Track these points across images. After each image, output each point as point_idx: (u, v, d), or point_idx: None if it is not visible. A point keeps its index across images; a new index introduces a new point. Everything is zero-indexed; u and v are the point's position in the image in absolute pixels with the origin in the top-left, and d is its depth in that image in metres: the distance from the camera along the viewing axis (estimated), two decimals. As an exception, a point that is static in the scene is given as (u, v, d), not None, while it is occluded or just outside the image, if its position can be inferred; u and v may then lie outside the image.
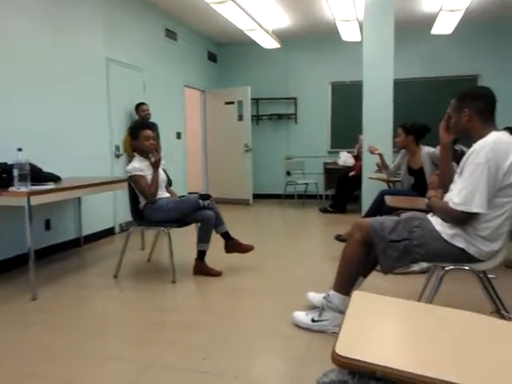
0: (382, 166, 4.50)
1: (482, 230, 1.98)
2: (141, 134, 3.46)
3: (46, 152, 4.10)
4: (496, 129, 2.03)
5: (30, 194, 2.93)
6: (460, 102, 2.08)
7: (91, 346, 2.28)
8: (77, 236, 4.63)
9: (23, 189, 2.95)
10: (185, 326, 2.52)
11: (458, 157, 2.37)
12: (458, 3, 5.33)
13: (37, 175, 3.34)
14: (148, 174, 3.44)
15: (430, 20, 6.38)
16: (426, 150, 3.97)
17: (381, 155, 4.45)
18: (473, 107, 2.03)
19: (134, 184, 3.44)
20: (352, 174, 6.59)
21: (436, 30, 6.50)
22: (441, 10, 5.59)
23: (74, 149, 4.53)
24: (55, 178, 3.58)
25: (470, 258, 2.03)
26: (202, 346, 2.27)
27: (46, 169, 3.59)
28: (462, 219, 1.97)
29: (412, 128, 4.01)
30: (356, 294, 1.30)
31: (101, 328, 2.52)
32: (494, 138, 1.95)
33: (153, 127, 3.47)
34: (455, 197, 1.97)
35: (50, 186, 3.27)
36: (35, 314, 2.77)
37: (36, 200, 2.99)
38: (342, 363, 0.92)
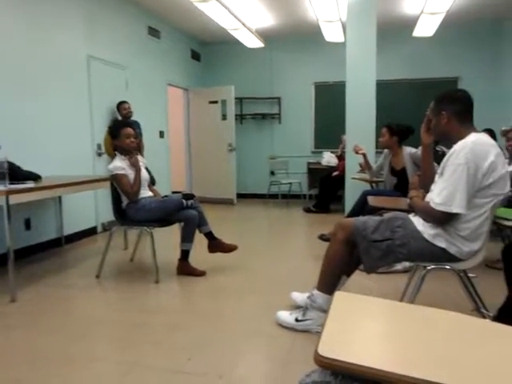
0: (366, 167, 4.54)
1: (462, 230, 2.01)
2: (121, 132, 3.42)
3: (26, 150, 4.02)
4: (475, 130, 2.07)
5: (9, 192, 2.87)
6: (438, 105, 2.13)
7: (74, 348, 2.25)
8: (58, 236, 4.56)
9: (1, 187, 2.89)
10: (169, 327, 2.51)
11: (439, 158, 2.41)
12: (439, 6, 5.42)
13: (16, 174, 3.25)
14: (130, 172, 3.40)
15: (411, 22, 6.47)
16: (408, 150, 4.02)
17: (364, 155, 4.48)
18: (450, 110, 2.08)
19: (116, 183, 3.40)
20: (335, 173, 6.64)
21: (417, 32, 6.60)
22: (422, 12, 5.68)
23: (54, 147, 4.45)
24: (35, 177, 3.51)
25: (451, 258, 2.06)
26: (187, 346, 2.26)
27: (25, 167, 3.51)
28: (443, 219, 2.01)
29: (397, 129, 4.05)
30: (338, 295, 1.30)
31: (84, 329, 2.49)
32: (474, 139, 1.99)
33: (134, 125, 3.44)
34: (436, 197, 2.01)
35: (30, 184, 3.20)
36: (15, 316, 2.71)
37: (15, 199, 2.93)
38: (325, 364, 0.92)
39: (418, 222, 2.15)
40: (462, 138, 2.02)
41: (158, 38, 6.69)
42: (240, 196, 8.01)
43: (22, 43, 4.06)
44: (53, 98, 4.45)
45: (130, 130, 3.45)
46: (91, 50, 5.03)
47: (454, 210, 1.94)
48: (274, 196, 7.75)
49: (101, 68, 5.21)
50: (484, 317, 2.21)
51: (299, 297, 2.69)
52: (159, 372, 2.01)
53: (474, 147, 1.94)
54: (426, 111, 2.27)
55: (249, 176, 8.32)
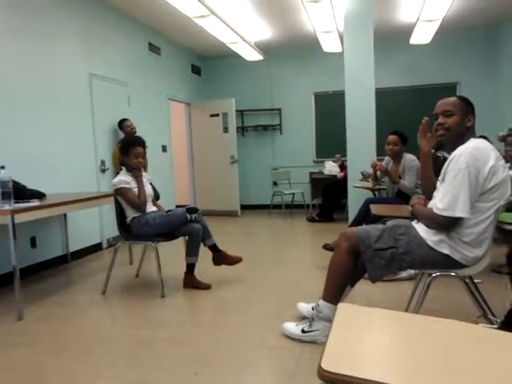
0: (374, 179, 4.44)
1: (465, 236, 2.01)
2: (131, 150, 3.43)
3: (31, 169, 4.06)
4: (475, 136, 2.09)
5: (14, 211, 2.89)
6: (468, 108, 2.12)
7: (79, 366, 2.24)
8: (64, 252, 4.57)
9: (6, 207, 2.91)
10: (175, 341, 2.50)
11: (440, 163, 2.42)
12: (435, 13, 5.47)
13: (21, 192, 3.29)
14: (134, 187, 3.43)
15: (408, 30, 6.53)
16: (407, 157, 4.03)
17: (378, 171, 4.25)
18: (474, 117, 2.12)
19: (121, 197, 3.42)
20: (341, 174, 6.65)
21: (414, 39, 6.65)
22: (418, 20, 5.73)
23: (58, 165, 4.50)
24: (40, 195, 3.54)
25: (456, 264, 2.06)
26: (193, 360, 2.25)
27: (30, 186, 3.54)
28: (447, 224, 2.01)
29: (405, 137, 4.06)
30: (341, 307, 1.29)
31: (89, 347, 2.49)
32: (474, 144, 2.00)
33: (143, 144, 3.47)
34: (439, 202, 2.01)
35: (35, 203, 3.23)
36: (21, 334, 2.71)
37: (20, 218, 2.95)
38: (329, 378, 0.91)
39: (421, 228, 2.15)
40: (464, 143, 2.04)
41: (159, 54, 6.77)
42: (244, 207, 8.02)
43: (24, 62, 4.12)
44: (56, 116, 4.50)
45: (140, 150, 3.46)
46: (93, 68, 5.10)
47: (458, 215, 1.94)
48: (277, 206, 7.76)
49: (103, 85, 5.28)
50: (491, 323, 2.19)
51: (305, 307, 2.68)
52: (167, 387, 2.00)
53: (473, 152, 1.95)
54: (423, 118, 2.28)
55: (252, 187, 8.35)
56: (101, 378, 2.11)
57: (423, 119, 2.29)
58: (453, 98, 2.14)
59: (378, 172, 4.22)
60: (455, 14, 6.27)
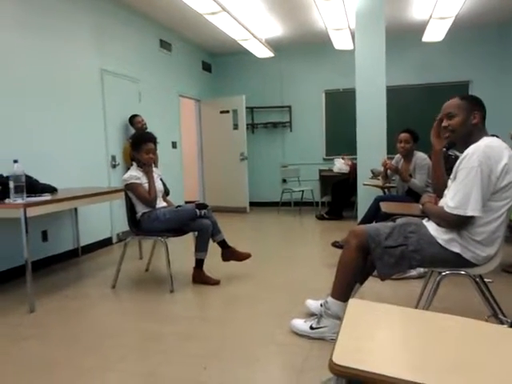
0: (384, 176, 4.42)
1: (477, 235, 2.00)
2: (143, 146, 3.45)
3: (43, 163, 4.11)
4: (487, 135, 2.08)
5: (26, 205, 2.93)
6: (471, 105, 2.11)
7: (89, 359, 2.27)
8: (74, 247, 4.63)
9: (19, 201, 2.95)
10: (184, 336, 2.52)
11: (451, 162, 2.41)
12: (448, 11, 5.42)
13: (33, 187, 3.34)
14: (145, 182, 3.46)
15: (420, 27, 6.47)
16: (419, 155, 4.01)
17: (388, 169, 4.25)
18: (480, 112, 2.10)
19: (132, 192, 3.44)
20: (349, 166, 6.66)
21: (427, 37, 6.59)
22: (431, 17, 5.67)
23: (70, 160, 4.54)
24: (52, 190, 3.58)
25: (466, 263, 2.05)
26: (202, 355, 2.27)
27: (42, 180, 3.59)
28: (458, 223, 2.00)
29: (417, 135, 4.04)
30: (352, 302, 1.30)
31: (99, 340, 2.52)
32: (486, 142, 1.99)
33: (155, 140, 3.49)
34: (450, 201, 2.00)
35: (47, 197, 3.27)
36: (33, 326, 2.75)
37: (32, 211, 2.98)
38: (340, 372, 0.93)
39: (431, 227, 2.14)
40: (476, 141, 2.02)
41: (170, 51, 6.79)
42: (253, 204, 8.03)
43: (37, 57, 4.16)
44: (68, 112, 4.54)
45: (151, 146, 3.49)
46: (104, 64, 5.13)
47: (469, 213, 1.93)
48: (286, 204, 7.75)
49: (114, 81, 5.31)
50: (502, 323, 2.18)
51: (313, 304, 2.69)
52: (174, 382, 2.01)
53: (486, 150, 1.93)
54: (436, 117, 2.27)
55: (261, 184, 8.35)
56: (110, 371, 2.14)
57: (437, 118, 2.28)
58: (454, 100, 2.15)
59: (389, 170, 4.20)
60: (468, 12, 6.20)
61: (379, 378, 0.88)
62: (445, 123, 2.16)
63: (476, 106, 2.11)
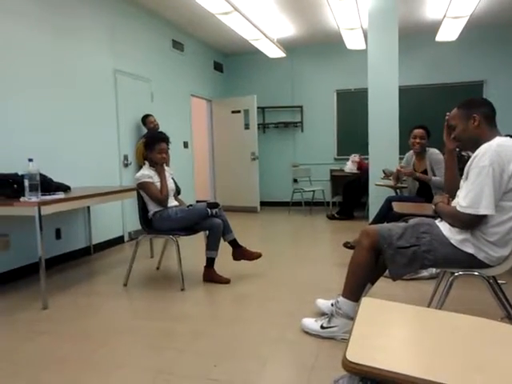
0: (396, 177, 4.38)
1: (490, 235, 1.98)
2: (156, 146, 3.49)
3: (57, 162, 4.17)
4: (500, 134, 2.05)
5: (41, 203, 2.97)
6: (467, 110, 2.10)
7: (101, 355, 2.30)
8: (87, 245, 4.68)
9: (34, 199, 3.00)
10: (194, 334, 2.54)
11: (464, 162, 2.38)
12: (462, 10, 5.36)
13: (47, 185, 3.38)
14: (157, 181, 3.49)
15: (434, 27, 6.41)
16: (431, 151, 3.97)
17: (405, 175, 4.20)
18: (481, 112, 2.07)
19: (144, 191, 3.47)
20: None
21: (440, 36, 6.53)
22: (445, 17, 5.62)
23: (83, 159, 4.60)
24: (65, 188, 3.63)
25: (480, 264, 2.03)
26: (212, 353, 2.28)
27: (56, 179, 3.64)
28: (471, 222, 1.98)
29: (429, 131, 4.01)
30: (365, 300, 1.30)
31: (110, 336, 2.54)
32: (498, 141, 1.97)
33: (167, 140, 3.52)
34: (462, 200, 1.98)
35: (60, 195, 3.31)
36: (46, 322, 2.79)
37: (46, 210, 3.03)
38: (353, 369, 0.93)
39: (444, 227, 2.13)
40: (488, 141, 2.00)
41: (182, 51, 6.83)
42: (263, 204, 8.04)
43: (51, 57, 4.22)
44: (82, 112, 4.60)
45: (164, 146, 3.53)
46: (118, 64, 5.18)
47: (482, 212, 1.91)
48: (297, 203, 7.74)
49: (127, 81, 5.36)
50: (515, 324, 2.15)
51: (324, 304, 2.69)
52: (185, 379, 2.03)
53: (498, 149, 1.91)
54: (447, 116, 2.26)
55: (272, 184, 8.36)
56: (121, 368, 2.16)
57: (447, 117, 2.27)
58: (454, 111, 2.19)
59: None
60: (483, 11, 6.13)
61: (392, 376, 0.88)
62: (452, 135, 2.21)
63: (473, 108, 2.10)
